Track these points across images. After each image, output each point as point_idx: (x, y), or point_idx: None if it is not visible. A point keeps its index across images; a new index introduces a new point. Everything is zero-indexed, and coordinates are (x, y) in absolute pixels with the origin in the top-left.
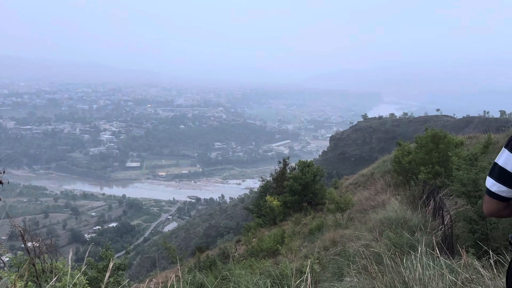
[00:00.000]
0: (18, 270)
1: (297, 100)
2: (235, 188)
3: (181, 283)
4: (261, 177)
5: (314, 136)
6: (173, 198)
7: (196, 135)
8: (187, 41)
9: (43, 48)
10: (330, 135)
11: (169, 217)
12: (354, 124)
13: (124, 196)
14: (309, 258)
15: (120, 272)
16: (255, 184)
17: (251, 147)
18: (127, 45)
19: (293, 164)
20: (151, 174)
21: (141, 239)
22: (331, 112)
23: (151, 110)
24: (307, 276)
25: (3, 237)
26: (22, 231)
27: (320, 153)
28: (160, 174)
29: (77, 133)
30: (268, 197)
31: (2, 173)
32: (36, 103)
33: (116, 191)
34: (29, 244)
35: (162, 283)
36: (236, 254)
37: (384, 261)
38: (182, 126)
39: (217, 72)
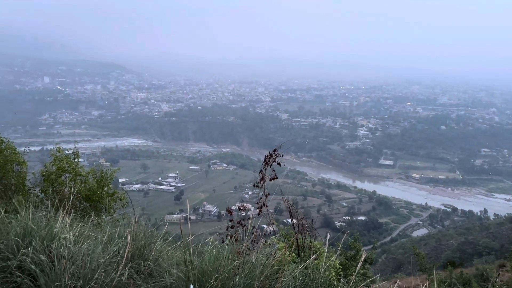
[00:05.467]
0: (285, 240)
1: None
2: (503, 204)
3: None
4: None
5: None
6: (426, 203)
7: (459, 138)
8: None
9: (316, 49)
10: None
11: (420, 222)
12: None
13: (374, 192)
14: None
15: (367, 265)
16: None
17: None
18: (392, 44)
19: None
20: (404, 174)
21: (388, 238)
22: None
23: (410, 108)
24: None
25: (271, 210)
26: (291, 208)
27: None
28: (413, 175)
29: (337, 127)
30: None
31: (281, 156)
32: (306, 99)
33: (367, 186)
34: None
35: None
36: (497, 280)
37: None
38: (443, 127)
39: (492, 68)
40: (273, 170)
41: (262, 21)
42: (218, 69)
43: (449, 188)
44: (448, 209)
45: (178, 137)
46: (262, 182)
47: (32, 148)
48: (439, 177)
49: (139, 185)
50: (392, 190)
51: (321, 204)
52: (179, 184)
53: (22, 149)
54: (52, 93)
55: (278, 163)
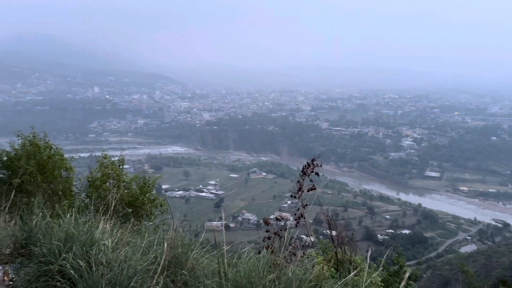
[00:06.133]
0: (323, 253)
1: None
2: None
3: None
4: None
5: None
6: (475, 217)
7: (511, 150)
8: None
9: (357, 56)
10: None
11: (468, 237)
12: None
13: (419, 205)
14: None
15: (411, 282)
16: None
17: None
18: (439, 49)
19: None
20: (451, 187)
21: (434, 253)
22: None
23: (458, 118)
24: None
25: (310, 220)
26: (329, 220)
27: None
28: (461, 188)
29: (379, 137)
30: None
31: (319, 166)
32: (347, 108)
33: (411, 198)
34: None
35: None
36: None
37: None
38: (494, 138)
39: None
40: (311, 181)
41: (302, 29)
42: (259, 78)
43: (500, 203)
44: (499, 225)
45: (218, 146)
46: (299, 192)
47: (82, 155)
48: (489, 190)
49: (181, 192)
50: (438, 203)
51: (363, 216)
52: (219, 192)
53: (70, 155)
54: (101, 102)
55: (317, 173)
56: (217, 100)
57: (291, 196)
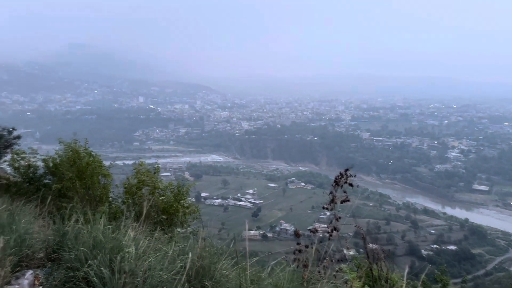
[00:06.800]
0: (357, 270)
1: None
2: None
3: None
4: None
5: None
6: None
7: None
8: None
9: (398, 65)
10: None
11: None
12: None
13: (466, 219)
14: None
15: None
16: None
17: None
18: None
19: None
20: (501, 201)
21: (482, 271)
22: None
23: (509, 129)
24: None
25: (350, 233)
26: (364, 234)
27: None
28: None
29: (424, 148)
30: None
31: (354, 176)
32: (390, 117)
33: (458, 212)
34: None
35: None
36: None
37: None
38: None
39: None
40: (344, 192)
41: (340, 37)
42: (297, 87)
43: None
44: None
45: (257, 155)
46: (332, 204)
47: (126, 162)
48: None
49: (219, 200)
50: (487, 218)
51: (406, 230)
52: (257, 201)
53: (109, 162)
54: (145, 112)
55: (350, 184)
56: (256, 109)
57: (323, 207)
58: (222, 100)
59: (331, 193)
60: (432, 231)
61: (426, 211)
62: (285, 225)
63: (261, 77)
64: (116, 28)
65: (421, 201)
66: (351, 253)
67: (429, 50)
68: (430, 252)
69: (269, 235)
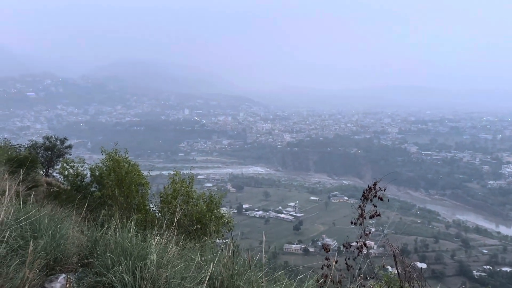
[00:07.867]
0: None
1: None
2: None
3: None
4: None
5: None
6: None
7: None
8: None
9: (448, 76)
10: None
11: None
12: None
13: None
14: None
15: None
16: None
17: None
18: None
19: None
20: None
21: None
22: None
23: None
24: None
25: (390, 251)
26: (394, 251)
27: None
28: None
29: (476, 163)
30: None
31: (383, 190)
32: (439, 131)
33: None
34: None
35: None
36: None
37: None
38: None
39: None
40: (374, 206)
41: (387, 49)
42: (341, 100)
43: None
44: None
45: (299, 167)
46: (361, 219)
47: (171, 172)
48: None
49: (260, 212)
50: None
51: (456, 249)
52: (299, 214)
53: (147, 172)
54: (190, 124)
55: (380, 198)
56: (298, 121)
57: (351, 223)
58: (265, 112)
59: (359, 207)
60: (485, 251)
61: (478, 230)
62: (328, 240)
63: (305, 90)
64: (164, 45)
65: (473, 219)
66: (389, 269)
67: (475, 62)
68: (483, 273)
69: (311, 249)
